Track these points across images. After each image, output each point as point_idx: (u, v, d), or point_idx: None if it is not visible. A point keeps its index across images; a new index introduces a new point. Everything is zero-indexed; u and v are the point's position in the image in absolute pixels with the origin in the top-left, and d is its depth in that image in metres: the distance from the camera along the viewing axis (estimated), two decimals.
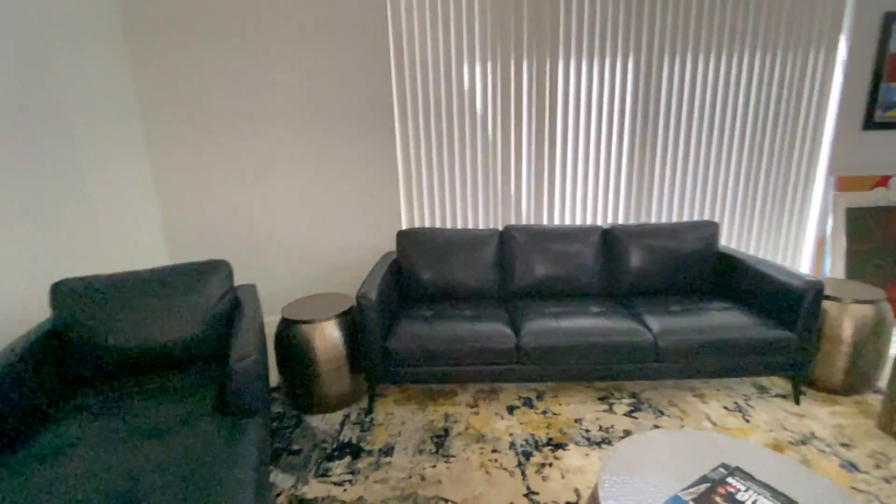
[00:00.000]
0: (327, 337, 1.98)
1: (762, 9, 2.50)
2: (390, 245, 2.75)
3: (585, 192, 2.72)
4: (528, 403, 2.01)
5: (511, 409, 1.97)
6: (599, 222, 2.77)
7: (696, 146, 2.68)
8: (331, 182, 2.65)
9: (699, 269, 2.32)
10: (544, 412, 1.94)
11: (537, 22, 2.46)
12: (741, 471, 1.06)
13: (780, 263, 2.21)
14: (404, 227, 2.75)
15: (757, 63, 2.57)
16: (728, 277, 2.28)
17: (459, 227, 2.74)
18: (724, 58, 2.56)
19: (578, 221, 2.76)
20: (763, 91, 2.62)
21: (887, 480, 1.46)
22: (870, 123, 2.68)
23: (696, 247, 2.32)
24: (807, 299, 1.80)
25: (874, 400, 1.93)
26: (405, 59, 2.51)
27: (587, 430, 1.80)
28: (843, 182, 2.72)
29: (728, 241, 2.85)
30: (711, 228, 2.36)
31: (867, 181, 2.72)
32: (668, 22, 2.49)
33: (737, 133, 2.68)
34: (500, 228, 2.66)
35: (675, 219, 2.79)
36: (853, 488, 1.44)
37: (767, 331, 1.85)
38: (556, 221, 2.75)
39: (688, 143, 2.68)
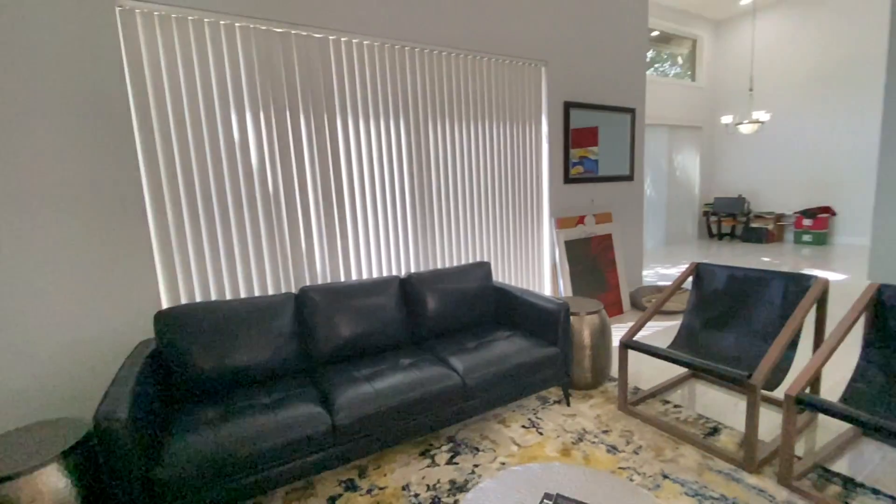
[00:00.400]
0: (46, 493, 1.32)
1: (493, 91, 3.14)
2: (146, 332, 2.11)
3: (378, 245, 2.77)
4: (351, 486, 1.81)
5: (333, 501, 1.73)
6: (395, 272, 2.85)
7: (463, 198, 3.11)
8: (41, 264, 1.86)
9: (483, 305, 2.64)
10: (370, 491, 1.77)
11: (310, 79, 2.41)
12: (561, 496, 1.18)
13: (537, 291, 2.73)
14: (165, 305, 2.16)
15: (496, 131, 3.20)
16: (504, 308, 2.67)
17: (244, 296, 2.34)
18: (475, 125, 3.08)
19: (375, 274, 2.77)
20: (504, 153, 3.27)
21: (636, 452, 1.93)
22: (567, 179, 3.68)
23: (477, 285, 2.64)
24: (561, 318, 2.26)
25: (612, 387, 2.56)
26: (152, 112, 2.04)
27: (416, 496, 1.73)
28: (559, 222, 3.62)
29: (498, 276, 3.36)
30: (485, 268, 2.74)
31: (573, 220, 3.70)
32: (427, 92, 2.84)
33: (490, 186, 3.23)
34: (295, 291, 2.41)
35: (455, 262, 3.13)
36: (619, 468, 1.83)
37: (541, 350, 2.23)
38: (354, 277, 2.68)
39: (456, 195, 3.07)
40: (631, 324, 3.59)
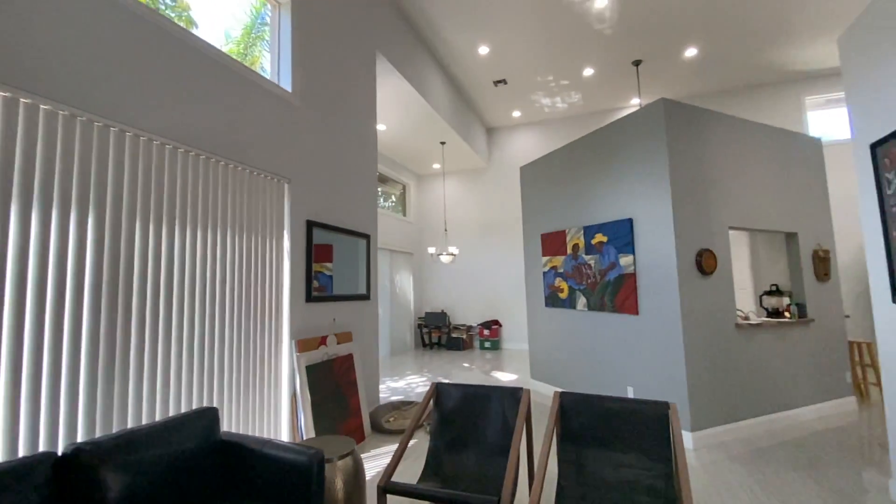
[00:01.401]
0: None
1: (236, 200, 2.77)
2: None
3: (36, 401, 1.70)
4: None
5: None
6: (47, 447, 1.77)
7: (189, 323, 2.40)
8: None
9: (204, 472, 1.92)
10: None
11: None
12: None
13: (275, 435, 2.23)
14: None
15: (237, 244, 2.76)
16: (237, 469, 2.03)
17: None
18: (208, 235, 2.56)
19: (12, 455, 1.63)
20: (244, 268, 2.82)
21: None
22: (309, 297, 3.48)
23: (196, 444, 1.93)
24: (314, 474, 1.87)
25: None
26: None
27: None
28: (301, 344, 3.28)
29: (229, 424, 2.63)
30: (210, 416, 2.07)
31: (315, 341, 3.44)
32: (146, 189, 2.22)
33: (224, 307, 2.66)
34: None
35: (162, 415, 2.27)
36: None
37: None
38: None
39: (180, 319, 2.35)
40: (375, 451, 3.42)
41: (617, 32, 5.72)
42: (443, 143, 7.73)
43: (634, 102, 7.89)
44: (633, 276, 3.94)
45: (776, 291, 4.46)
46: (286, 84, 3.36)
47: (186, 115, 2.49)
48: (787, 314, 4.29)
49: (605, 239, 4.28)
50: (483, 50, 6.16)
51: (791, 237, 4.39)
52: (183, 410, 2.35)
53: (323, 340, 3.53)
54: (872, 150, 2.47)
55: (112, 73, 2.14)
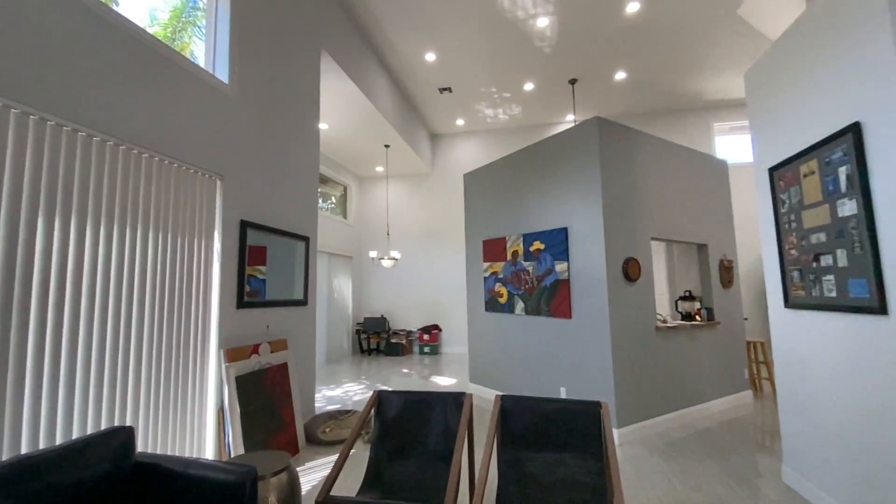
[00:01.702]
0: None
1: (161, 197, 2.53)
2: None
3: None
4: None
5: None
6: None
7: (101, 333, 2.14)
8: None
9: (115, 498, 1.71)
10: None
11: None
12: None
13: (208, 460, 2.06)
14: None
15: (161, 245, 2.51)
16: (153, 494, 1.83)
17: None
18: (129, 233, 2.30)
19: None
20: (168, 272, 2.57)
21: None
22: (241, 303, 3.26)
23: (106, 470, 1.72)
24: (246, 494, 1.74)
25: None
26: None
27: None
28: (230, 353, 3.06)
29: (146, 444, 2.37)
30: (122, 437, 1.86)
31: (246, 350, 3.23)
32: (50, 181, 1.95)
33: (144, 315, 2.40)
34: None
35: (65, 437, 1.99)
36: None
37: None
38: None
39: (89, 328, 2.08)
40: (311, 464, 3.27)
41: (556, 52, 6.05)
42: (387, 146, 7.66)
43: (569, 119, 8.37)
44: (568, 281, 4.15)
45: (689, 297, 4.94)
46: (222, 75, 3.14)
47: (101, 98, 2.23)
48: (698, 317, 4.76)
49: (542, 246, 4.48)
50: (430, 57, 6.21)
51: (702, 248, 4.89)
52: (90, 431, 2.09)
53: (255, 349, 3.32)
54: (770, 174, 2.82)
55: (5, 44, 1.86)
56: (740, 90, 7.21)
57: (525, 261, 4.68)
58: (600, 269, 3.85)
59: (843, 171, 2.20)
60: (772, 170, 2.81)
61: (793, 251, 2.64)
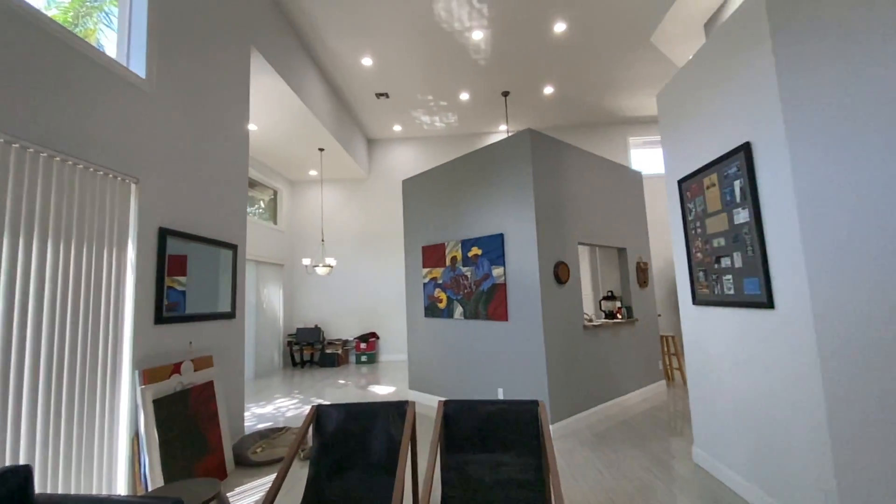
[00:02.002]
0: None
1: (63, 201, 2.23)
2: None
3: None
4: None
5: None
6: None
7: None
8: None
9: None
10: None
11: None
12: None
13: (123, 496, 1.84)
14: None
15: (62, 257, 2.21)
16: None
17: None
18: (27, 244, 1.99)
19: None
20: (70, 287, 2.27)
21: None
22: (160, 318, 2.98)
23: None
24: None
25: None
26: None
27: None
28: (148, 375, 2.78)
29: (45, 483, 2.05)
30: (19, 476, 1.61)
31: (166, 370, 2.94)
32: None
33: (42, 337, 2.10)
34: None
35: None
36: None
37: None
38: None
39: None
40: (241, 489, 3.06)
41: (490, 64, 6.28)
42: (321, 149, 7.42)
43: (502, 129, 8.71)
44: (504, 285, 4.31)
45: (611, 297, 5.35)
46: (138, 69, 2.85)
47: None
48: (619, 315, 5.17)
49: (480, 252, 4.60)
50: (367, 61, 6.13)
51: (622, 251, 5.33)
52: None
53: (177, 368, 3.04)
54: (679, 185, 3.17)
55: None
56: (653, 108, 7.99)
57: (464, 266, 4.78)
58: (534, 273, 4.04)
59: (737, 184, 2.54)
60: (680, 181, 3.16)
61: (698, 254, 2.98)
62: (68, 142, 2.31)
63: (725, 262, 2.70)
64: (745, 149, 2.45)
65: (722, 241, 2.72)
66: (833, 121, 2.02)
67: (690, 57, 3.07)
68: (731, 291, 2.66)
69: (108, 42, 2.95)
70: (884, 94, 1.91)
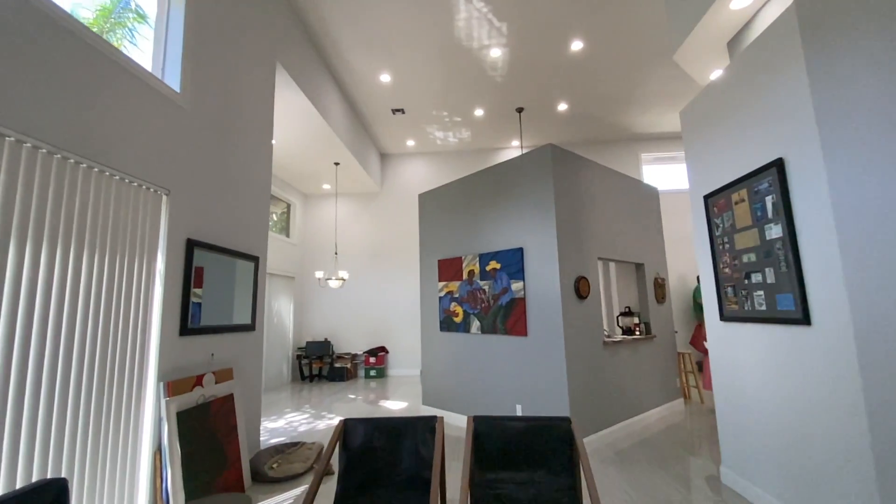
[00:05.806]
0: None
1: (99, 213, 2.25)
2: None
3: None
4: None
5: None
6: None
7: (6, 377, 1.82)
8: None
9: None
10: None
11: None
12: None
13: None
14: None
15: (96, 268, 2.22)
16: None
17: None
18: (61, 256, 2.01)
19: None
20: (102, 298, 2.28)
21: None
22: (185, 330, 2.97)
23: None
24: None
25: None
26: None
27: None
28: (172, 387, 2.76)
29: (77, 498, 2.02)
30: (57, 487, 1.58)
31: (189, 382, 2.92)
32: None
33: (72, 348, 2.09)
34: None
35: None
36: None
37: None
38: None
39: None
40: None
41: (505, 81, 6.36)
42: (337, 163, 7.49)
43: (514, 144, 8.77)
44: (523, 300, 4.28)
45: (629, 312, 5.30)
46: (173, 83, 2.91)
47: (27, 96, 1.97)
48: (637, 331, 5.11)
49: (498, 266, 4.59)
50: (385, 78, 6.24)
51: (640, 267, 5.30)
52: (19, 485, 1.75)
53: (199, 380, 3.02)
54: (706, 200, 3.16)
55: None
56: (666, 125, 8.03)
57: (481, 280, 4.76)
58: (555, 288, 4.02)
59: (769, 200, 2.52)
60: (706, 197, 3.15)
61: (726, 269, 2.95)
62: (105, 152, 2.35)
63: (756, 277, 2.67)
64: (778, 164, 2.44)
65: (752, 257, 2.69)
66: (872, 134, 2.02)
67: (713, 75, 3.10)
68: (763, 307, 2.62)
69: (134, 58, 3.00)
70: None
